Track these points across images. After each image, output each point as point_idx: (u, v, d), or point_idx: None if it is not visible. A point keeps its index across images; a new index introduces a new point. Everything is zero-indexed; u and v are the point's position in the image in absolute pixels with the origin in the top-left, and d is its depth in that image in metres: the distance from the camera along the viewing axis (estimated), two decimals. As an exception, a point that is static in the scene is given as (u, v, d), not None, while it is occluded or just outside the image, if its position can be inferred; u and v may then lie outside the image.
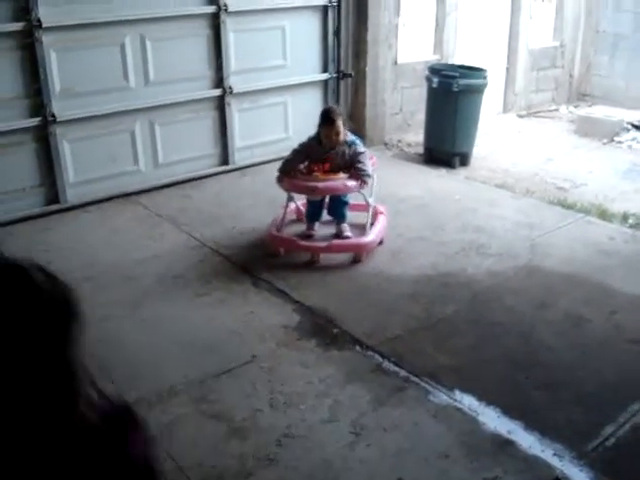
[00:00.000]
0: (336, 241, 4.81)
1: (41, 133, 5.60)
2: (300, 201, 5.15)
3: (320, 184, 4.67)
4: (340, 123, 4.77)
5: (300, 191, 4.90)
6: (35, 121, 5.54)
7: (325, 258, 4.70)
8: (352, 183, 4.66)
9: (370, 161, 4.84)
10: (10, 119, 5.43)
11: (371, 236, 4.77)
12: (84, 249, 5.01)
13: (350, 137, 4.87)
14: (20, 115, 5.49)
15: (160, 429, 3.08)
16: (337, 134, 4.73)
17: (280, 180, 4.80)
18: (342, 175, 4.70)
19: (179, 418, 3.18)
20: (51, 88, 5.52)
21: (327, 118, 4.79)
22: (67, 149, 5.74)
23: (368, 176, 4.69)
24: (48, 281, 1.20)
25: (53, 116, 5.57)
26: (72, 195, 5.82)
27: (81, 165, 5.83)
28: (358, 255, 4.71)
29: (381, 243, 4.92)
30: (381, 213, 5.08)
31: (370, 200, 4.85)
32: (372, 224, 4.86)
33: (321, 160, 4.76)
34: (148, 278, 4.56)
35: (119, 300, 4.27)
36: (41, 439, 1.14)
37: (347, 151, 4.76)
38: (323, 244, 4.76)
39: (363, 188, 4.72)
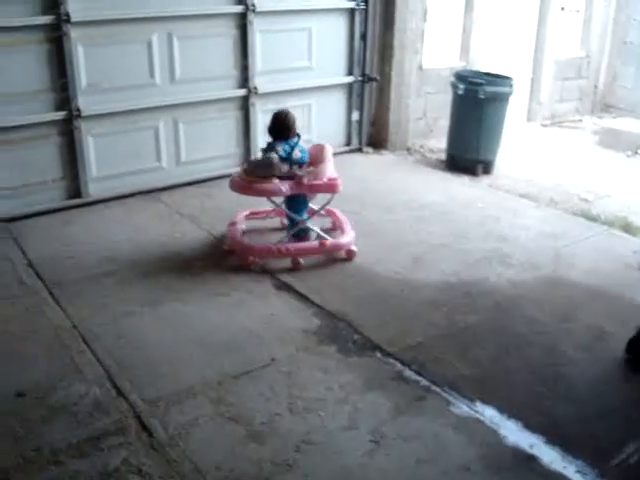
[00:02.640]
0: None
1: (66, 127, 5.61)
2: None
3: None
4: None
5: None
6: (60, 115, 5.55)
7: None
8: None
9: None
10: (36, 112, 5.45)
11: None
12: (105, 244, 5.01)
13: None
14: (46, 108, 5.50)
15: (178, 430, 3.07)
16: None
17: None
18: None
19: (197, 419, 3.15)
20: (77, 83, 5.54)
21: None
22: (91, 144, 5.75)
23: None
24: None
25: (78, 110, 5.58)
26: (94, 190, 5.83)
27: (104, 160, 5.84)
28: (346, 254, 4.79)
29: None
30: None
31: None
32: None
33: None
34: (168, 276, 4.54)
35: (139, 297, 4.25)
36: None
37: None
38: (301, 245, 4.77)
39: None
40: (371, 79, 7.18)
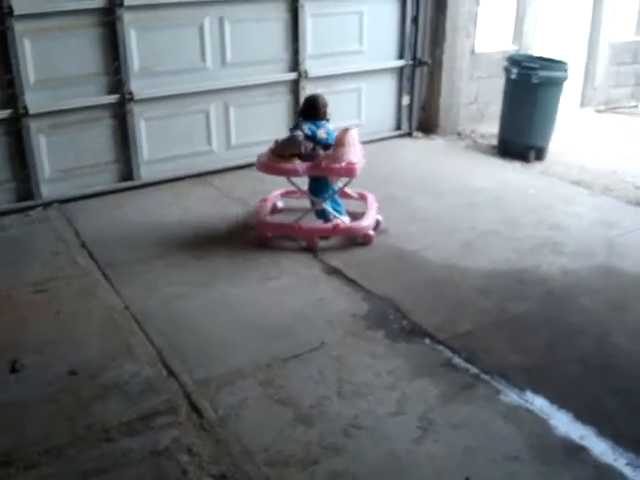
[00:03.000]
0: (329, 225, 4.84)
1: (119, 110, 5.68)
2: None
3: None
4: None
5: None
6: (113, 98, 5.63)
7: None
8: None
9: None
10: (89, 95, 5.54)
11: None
12: (156, 227, 5.08)
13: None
14: (99, 92, 5.59)
15: (227, 411, 3.11)
16: None
17: None
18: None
19: (246, 401, 3.18)
20: (130, 66, 5.60)
21: None
22: (143, 127, 5.82)
23: None
24: None
25: (131, 94, 5.64)
26: (145, 173, 5.91)
27: (155, 143, 5.91)
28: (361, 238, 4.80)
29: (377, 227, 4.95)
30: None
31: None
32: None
33: None
34: (218, 259, 4.59)
35: (190, 279, 4.31)
36: None
37: None
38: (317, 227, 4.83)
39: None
40: (422, 63, 7.11)
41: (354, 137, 4.78)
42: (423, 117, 7.37)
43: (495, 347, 3.60)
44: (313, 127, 4.73)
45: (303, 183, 4.94)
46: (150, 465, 2.81)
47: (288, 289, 4.20)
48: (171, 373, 3.39)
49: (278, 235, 4.85)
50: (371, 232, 4.81)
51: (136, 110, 5.73)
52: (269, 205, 5.15)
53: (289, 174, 4.76)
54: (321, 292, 4.15)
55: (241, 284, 4.26)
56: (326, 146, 4.74)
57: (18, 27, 5.12)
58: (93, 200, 5.63)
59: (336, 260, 4.54)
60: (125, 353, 3.55)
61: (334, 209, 4.92)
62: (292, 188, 5.00)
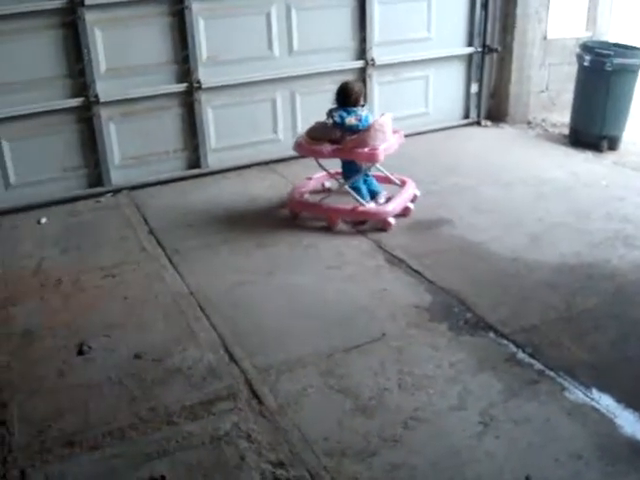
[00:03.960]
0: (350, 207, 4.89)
1: (187, 99, 5.76)
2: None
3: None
4: None
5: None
6: (182, 87, 5.71)
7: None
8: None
9: None
10: (158, 84, 5.63)
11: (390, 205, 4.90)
12: (222, 214, 5.15)
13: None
14: (168, 80, 5.68)
15: (287, 399, 3.12)
16: None
17: None
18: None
19: (306, 389, 3.19)
20: (198, 55, 5.67)
21: None
22: (210, 115, 5.89)
23: None
24: None
25: (199, 82, 5.71)
26: (213, 160, 5.98)
27: (223, 132, 5.97)
28: (379, 224, 4.84)
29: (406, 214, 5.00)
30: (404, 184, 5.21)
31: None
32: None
33: None
34: (282, 247, 4.61)
35: (254, 267, 4.34)
36: None
37: None
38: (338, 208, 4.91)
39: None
40: (492, 50, 6.96)
41: (385, 123, 4.84)
42: (492, 105, 7.23)
43: (561, 343, 3.51)
44: (344, 114, 4.82)
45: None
46: (210, 449, 2.84)
47: (350, 279, 4.19)
48: (233, 359, 3.42)
49: (308, 213, 5.04)
50: (391, 219, 4.82)
51: (204, 98, 5.80)
52: (311, 184, 5.36)
53: (316, 155, 4.99)
54: (384, 282, 4.13)
55: (303, 273, 4.27)
56: (357, 132, 4.79)
57: (89, 17, 5.25)
58: (161, 187, 5.74)
59: (400, 250, 4.50)
60: (189, 338, 3.61)
61: (369, 191, 5.02)
62: (337, 170, 5.18)
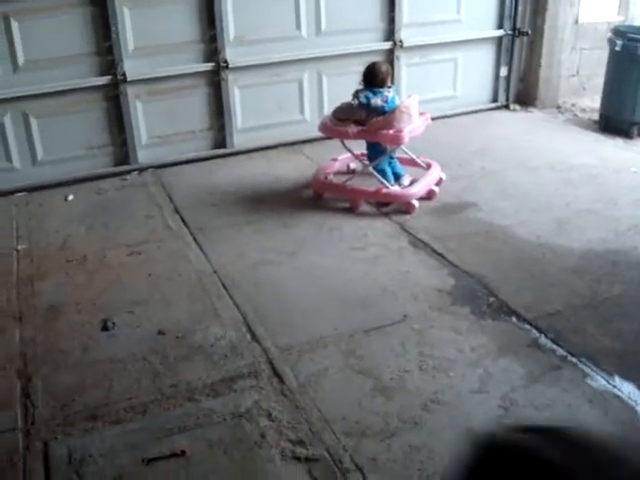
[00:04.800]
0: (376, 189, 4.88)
1: (214, 78, 5.76)
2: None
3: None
4: None
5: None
6: (209, 66, 5.71)
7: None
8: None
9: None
10: (186, 62, 5.64)
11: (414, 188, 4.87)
12: (246, 194, 5.16)
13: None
14: (195, 59, 5.68)
15: (308, 378, 3.13)
16: None
17: None
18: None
19: (327, 369, 3.20)
20: (225, 35, 5.66)
21: None
22: (237, 95, 5.88)
23: None
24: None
25: (226, 62, 5.71)
26: (238, 140, 5.99)
27: (249, 112, 5.97)
28: (403, 207, 4.82)
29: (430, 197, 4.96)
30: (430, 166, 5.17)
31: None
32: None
33: None
34: (306, 227, 4.62)
35: (278, 247, 4.35)
36: None
37: None
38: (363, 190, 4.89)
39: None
40: (522, 33, 6.86)
41: (411, 105, 4.81)
42: (521, 89, 7.14)
43: (585, 329, 3.48)
44: (370, 94, 4.80)
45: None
46: (230, 426, 2.87)
47: (373, 260, 4.18)
48: (255, 338, 3.44)
49: (332, 194, 5.03)
50: (415, 202, 4.79)
51: (230, 78, 5.80)
52: (336, 165, 5.35)
53: (341, 136, 4.97)
54: (407, 265, 4.11)
55: (327, 253, 4.27)
56: (382, 114, 4.75)
57: (118, -5, 5.26)
58: (187, 166, 5.76)
59: (423, 233, 4.48)
60: (212, 316, 3.63)
61: (393, 174, 5.00)
62: (362, 151, 5.16)
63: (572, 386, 3.09)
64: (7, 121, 5.29)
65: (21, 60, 5.19)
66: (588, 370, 3.18)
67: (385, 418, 2.90)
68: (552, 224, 4.58)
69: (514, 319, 3.56)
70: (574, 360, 3.25)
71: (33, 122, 5.36)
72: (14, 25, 5.08)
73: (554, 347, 3.34)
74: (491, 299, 3.74)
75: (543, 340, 3.39)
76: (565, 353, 3.30)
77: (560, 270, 4.03)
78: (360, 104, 4.78)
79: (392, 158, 5.09)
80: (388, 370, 3.18)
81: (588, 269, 4.04)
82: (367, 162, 5.05)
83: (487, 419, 2.89)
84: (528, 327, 3.50)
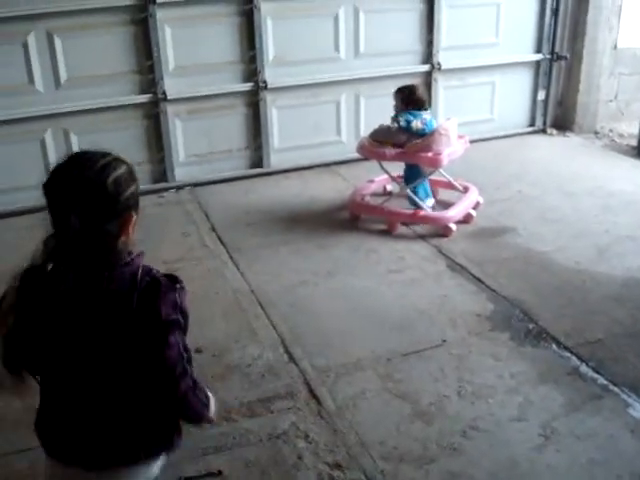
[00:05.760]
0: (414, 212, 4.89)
1: (252, 98, 5.81)
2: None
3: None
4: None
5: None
6: (248, 86, 5.76)
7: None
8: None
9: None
10: (225, 82, 5.70)
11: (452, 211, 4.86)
12: (283, 214, 5.18)
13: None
14: (234, 79, 5.74)
15: (346, 401, 3.11)
16: None
17: None
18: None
19: (364, 392, 3.18)
20: (265, 55, 5.71)
21: None
22: (275, 115, 5.92)
23: None
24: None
25: (265, 82, 5.75)
26: (275, 160, 6.02)
27: (286, 132, 6.00)
28: (440, 230, 4.80)
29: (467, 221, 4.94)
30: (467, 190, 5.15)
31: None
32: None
33: None
34: (342, 249, 4.61)
35: (314, 268, 4.35)
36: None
37: None
38: (401, 212, 4.91)
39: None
40: (560, 57, 6.83)
41: (450, 128, 4.80)
42: (559, 113, 7.10)
43: (626, 358, 3.42)
44: (410, 117, 4.80)
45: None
46: (267, 447, 2.86)
47: (411, 283, 4.16)
48: (292, 359, 3.43)
49: (369, 215, 5.04)
50: (452, 225, 4.76)
51: (269, 98, 5.84)
52: (373, 187, 5.36)
53: (379, 158, 4.97)
54: (445, 288, 4.09)
55: (363, 275, 4.26)
56: (422, 136, 4.76)
57: (160, 14, 5.34)
58: (223, 185, 5.80)
59: (461, 256, 4.45)
60: (249, 335, 3.64)
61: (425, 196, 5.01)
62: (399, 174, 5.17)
63: (614, 416, 3.04)
64: (48, 137, 5.37)
65: (63, 77, 5.28)
66: (630, 400, 3.13)
67: (424, 443, 2.87)
68: (592, 250, 4.53)
69: (554, 346, 3.52)
70: (616, 389, 3.19)
71: (73, 138, 5.44)
72: (57, 42, 5.17)
73: (595, 376, 3.29)
74: (531, 325, 3.69)
75: (584, 368, 3.34)
76: (606, 382, 3.24)
77: (600, 298, 3.97)
78: (400, 127, 4.78)
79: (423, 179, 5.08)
80: (426, 395, 3.15)
81: (629, 297, 3.98)
82: (404, 184, 5.03)
83: (527, 448, 2.85)
84: (568, 355, 3.45)
